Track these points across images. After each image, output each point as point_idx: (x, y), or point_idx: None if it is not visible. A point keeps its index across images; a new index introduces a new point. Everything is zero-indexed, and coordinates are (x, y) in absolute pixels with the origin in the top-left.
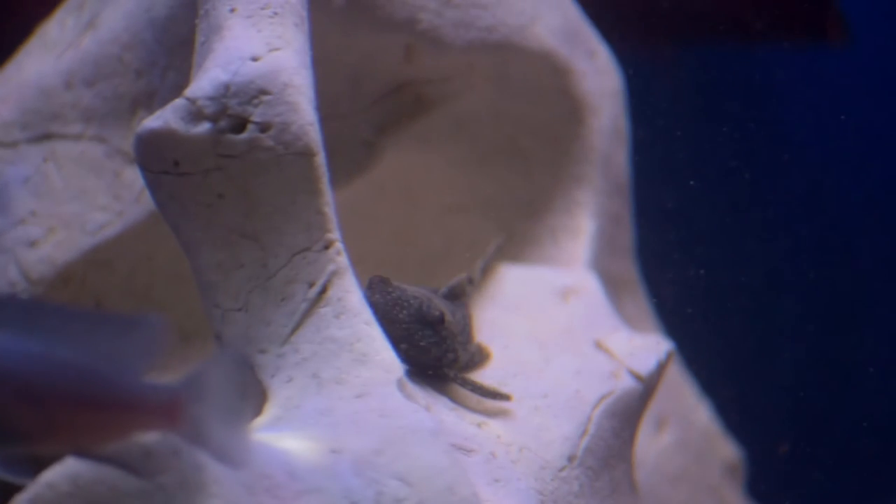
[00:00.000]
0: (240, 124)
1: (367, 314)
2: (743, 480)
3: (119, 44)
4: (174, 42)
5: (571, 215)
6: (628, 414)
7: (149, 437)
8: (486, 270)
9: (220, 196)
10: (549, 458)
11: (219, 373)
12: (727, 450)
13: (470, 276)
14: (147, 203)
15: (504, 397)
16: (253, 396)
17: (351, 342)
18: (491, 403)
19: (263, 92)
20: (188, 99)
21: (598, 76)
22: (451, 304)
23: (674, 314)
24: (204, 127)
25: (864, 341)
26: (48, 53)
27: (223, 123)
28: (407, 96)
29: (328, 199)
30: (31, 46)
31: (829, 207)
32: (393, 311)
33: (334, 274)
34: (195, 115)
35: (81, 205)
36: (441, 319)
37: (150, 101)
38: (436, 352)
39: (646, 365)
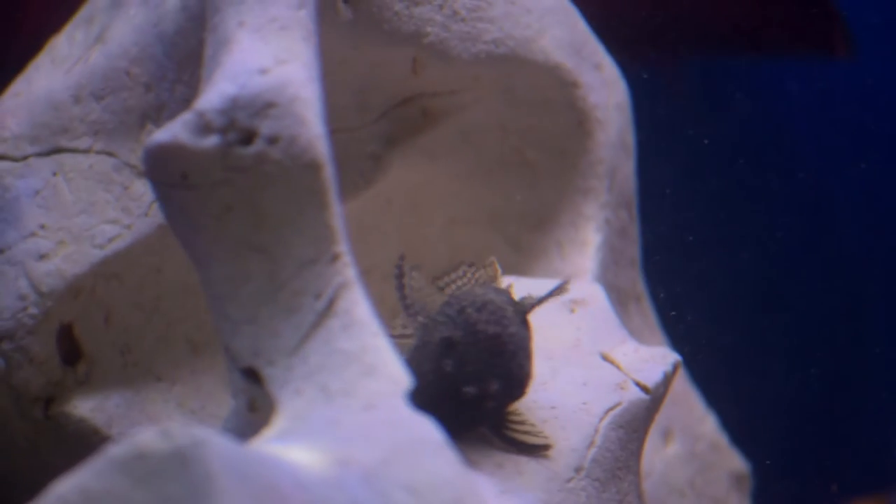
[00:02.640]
0: (248, 137)
1: (374, 326)
2: (749, 492)
3: (128, 58)
4: (183, 55)
5: (578, 228)
6: (635, 425)
7: (158, 450)
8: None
9: (229, 209)
10: (557, 470)
11: None
12: (734, 461)
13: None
14: (156, 216)
15: (543, 449)
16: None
17: (359, 354)
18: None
19: (271, 105)
20: (197, 112)
21: (605, 89)
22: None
23: (680, 326)
24: (212, 140)
25: (872, 353)
26: (57, 68)
27: (231, 136)
28: (414, 109)
29: (336, 212)
30: (41, 61)
31: (834, 219)
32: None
33: (342, 286)
34: (203, 128)
35: (90, 218)
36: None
37: (159, 114)
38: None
39: (652, 377)
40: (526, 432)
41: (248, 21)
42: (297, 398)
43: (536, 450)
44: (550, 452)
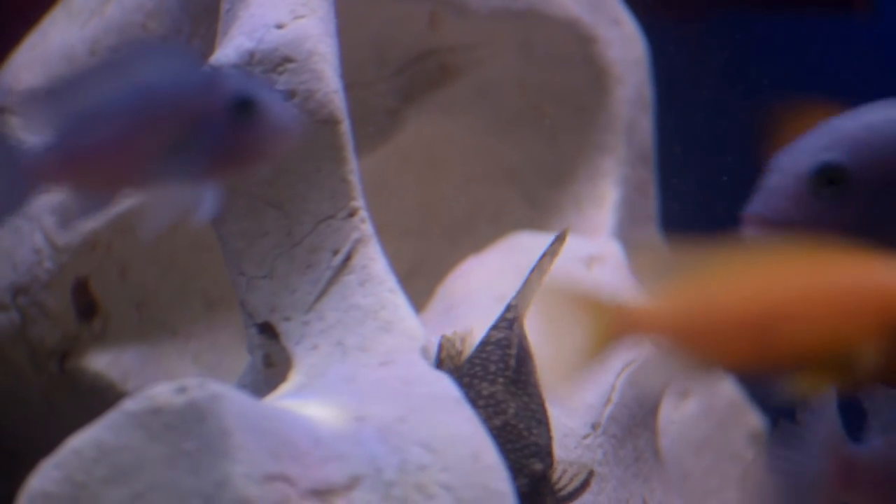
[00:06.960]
0: None
1: (391, 282)
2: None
3: (143, 11)
4: (198, 10)
5: (596, 184)
6: None
7: (174, 405)
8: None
9: None
10: (573, 426)
11: None
12: (751, 418)
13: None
14: None
15: (591, 477)
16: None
17: (375, 310)
18: None
19: (288, 60)
20: (213, 67)
21: (623, 44)
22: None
23: None
24: None
25: None
26: (73, 21)
27: None
28: (431, 64)
29: (353, 167)
30: (57, 14)
31: None
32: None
33: (359, 242)
34: None
35: None
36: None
37: None
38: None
39: None
40: (572, 477)
41: None
42: (314, 354)
43: (587, 485)
44: (594, 477)
